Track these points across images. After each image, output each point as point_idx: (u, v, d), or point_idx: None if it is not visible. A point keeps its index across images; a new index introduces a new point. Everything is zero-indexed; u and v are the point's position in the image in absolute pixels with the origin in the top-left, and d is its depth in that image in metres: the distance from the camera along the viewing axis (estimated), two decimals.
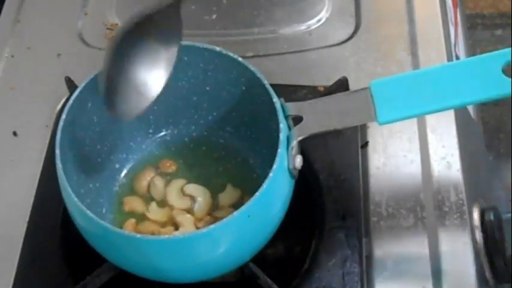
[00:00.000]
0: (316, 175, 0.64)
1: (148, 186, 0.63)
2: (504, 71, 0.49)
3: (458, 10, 0.87)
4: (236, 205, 0.60)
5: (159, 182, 0.63)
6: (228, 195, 0.62)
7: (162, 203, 0.62)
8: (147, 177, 0.63)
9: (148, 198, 0.63)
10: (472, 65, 0.50)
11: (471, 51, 0.93)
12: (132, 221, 0.61)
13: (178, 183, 0.62)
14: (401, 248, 0.61)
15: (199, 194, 0.62)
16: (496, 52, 0.49)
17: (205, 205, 0.61)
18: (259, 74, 0.55)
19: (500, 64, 0.49)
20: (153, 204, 0.62)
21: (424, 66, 0.73)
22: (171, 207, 0.62)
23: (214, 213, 0.61)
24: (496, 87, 0.49)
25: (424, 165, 0.66)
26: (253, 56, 0.75)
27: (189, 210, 0.61)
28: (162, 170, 0.64)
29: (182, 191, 0.62)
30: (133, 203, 0.62)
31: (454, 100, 0.50)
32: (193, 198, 0.62)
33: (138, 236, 0.48)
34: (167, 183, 0.63)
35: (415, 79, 0.52)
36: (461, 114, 0.72)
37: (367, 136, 0.68)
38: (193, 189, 0.62)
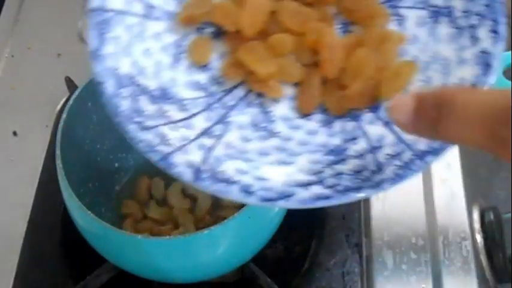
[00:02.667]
0: None
1: (149, 189, 0.63)
2: (504, 74, 0.49)
3: None
4: (236, 204, 0.60)
5: (159, 184, 0.63)
6: None
7: (162, 202, 0.62)
8: (146, 181, 0.63)
9: (147, 202, 0.63)
10: None
11: None
12: (132, 219, 0.61)
13: (178, 184, 0.62)
14: (401, 247, 0.61)
15: (200, 193, 0.62)
16: None
17: (205, 205, 0.61)
18: None
19: (501, 67, 0.49)
20: (153, 203, 0.62)
21: None
22: (171, 207, 0.62)
23: (214, 212, 0.61)
24: None
25: None
26: None
27: (190, 210, 0.61)
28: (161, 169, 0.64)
29: (182, 192, 0.62)
30: (132, 207, 0.62)
31: None
32: (193, 198, 0.62)
33: (139, 236, 0.48)
34: (167, 184, 0.63)
35: None
36: None
37: None
38: (194, 188, 0.62)
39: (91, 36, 0.40)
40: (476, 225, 0.63)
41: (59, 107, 0.71)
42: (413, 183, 0.65)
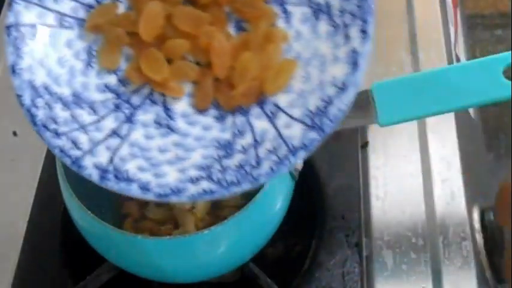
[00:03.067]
0: (316, 175, 0.64)
1: None
2: (504, 74, 0.49)
3: (458, 10, 0.87)
4: (236, 204, 0.60)
5: None
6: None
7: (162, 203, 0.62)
8: None
9: (147, 202, 0.62)
10: (472, 68, 0.50)
11: (471, 51, 0.93)
12: (132, 219, 0.61)
13: None
14: (401, 247, 0.61)
15: None
16: (497, 55, 0.49)
17: (205, 205, 0.61)
18: None
19: (501, 67, 0.49)
20: (152, 203, 0.62)
21: (424, 66, 0.73)
22: (171, 207, 0.62)
23: (214, 212, 0.61)
24: (496, 91, 0.49)
25: (424, 166, 0.66)
26: None
27: (190, 210, 0.61)
28: None
29: None
30: (132, 207, 0.62)
31: (455, 103, 0.51)
32: None
33: (139, 236, 0.48)
34: None
35: (416, 81, 0.52)
36: (461, 114, 0.72)
37: (367, 136, 0.68)
38: None
39: (8, 53, 0.44)
40: (476, 225, 0.63)
41: None
42: (413, 183, 0.65)
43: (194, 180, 0.41)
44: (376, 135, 0.68)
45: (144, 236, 0.49)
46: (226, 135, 0.43)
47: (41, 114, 0.43)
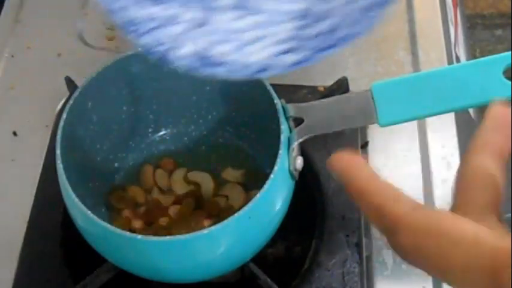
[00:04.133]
0: (316, 175, 0.64)
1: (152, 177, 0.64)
2: (504, 74, 0.49)
3: (458, 10, 0.87)
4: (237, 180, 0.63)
5: (163, 174, 0.64)
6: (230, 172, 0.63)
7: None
8: (150, 169, 0.64)
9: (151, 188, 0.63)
10: (473, 68, 0.50)
11: (471, 51, 0.93)
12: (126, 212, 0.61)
13: (180, 172, 0.64)
14: None
15: (201, 177, 0.63)
16: (497, 55, 0.49)
17: (208, 187, 0.62)
18: None
19: (501, 67, 0.49)
20: (155, 189, 0.63)
21: (424, 66, 0.73)
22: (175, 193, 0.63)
23: (218, 191, 0.63)
24: (496, 91, 0.49)
25: (424, 165, 0.66)
26: None
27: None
28: (162, 169, 0.64)
29: (185, 179, 0.63)
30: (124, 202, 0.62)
31: (455, 103, 0.51)
32: (196, 184, 0.63)
33: (139, 236, 0.48)
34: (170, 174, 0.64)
35: (416, 81, 0.52)
36: (461, 114, 0.72)
37: (367, 136, 0.68)
38: (196, 175, 0.63)
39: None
40: None
41: (59, 107, 0.71)
42: (414, 183, 0.65)
43: (282, 53, 0.46)
44: (376, 135, 0.68)
45: (144, 236, 0.49)
46: (302, 4, 0.47)
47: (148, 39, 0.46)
